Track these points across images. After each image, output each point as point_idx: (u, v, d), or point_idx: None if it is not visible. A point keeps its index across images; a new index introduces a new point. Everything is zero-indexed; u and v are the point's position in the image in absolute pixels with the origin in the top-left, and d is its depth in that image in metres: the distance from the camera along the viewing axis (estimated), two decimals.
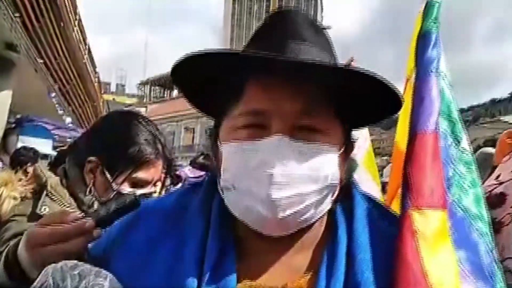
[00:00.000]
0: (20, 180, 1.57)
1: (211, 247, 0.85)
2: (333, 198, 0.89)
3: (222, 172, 0.86)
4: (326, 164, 0.83)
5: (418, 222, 0.86)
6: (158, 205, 1.01)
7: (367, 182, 2.28)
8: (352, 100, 0.87)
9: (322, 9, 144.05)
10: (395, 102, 0.87)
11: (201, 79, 0.90)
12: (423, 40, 1.09)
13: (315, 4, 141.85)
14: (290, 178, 0.80)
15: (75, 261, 0.85)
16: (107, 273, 0.84)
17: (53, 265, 0.83)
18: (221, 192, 0.89)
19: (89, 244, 0.95)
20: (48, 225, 0.91)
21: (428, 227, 0.86)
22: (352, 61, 2.42)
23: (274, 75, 0.81)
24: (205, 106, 1.00)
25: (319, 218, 0.89)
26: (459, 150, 1.05)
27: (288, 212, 0.81)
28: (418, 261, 0.81)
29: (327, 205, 0.88)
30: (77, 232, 0.90)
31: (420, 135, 0.94)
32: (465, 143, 1.07)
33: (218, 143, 0.89)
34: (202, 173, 4.55)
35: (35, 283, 0.81)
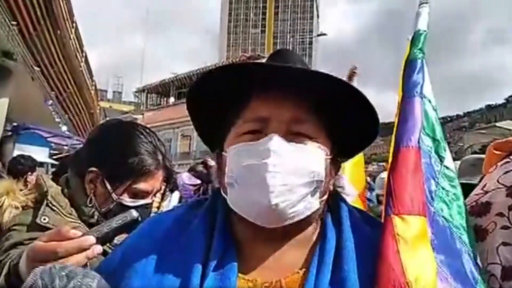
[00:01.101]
0: (21, 189, 1.57)
1: (215, 248, 0.93)
2: (321, 199, 0.98)
3: (226, 171, 0.96)
4: (313, 162, 0.95)
5: (399, 226, 0.93)
6: (161, 220, 1.07)
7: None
8: (340, 116, 1.00)
9: (318, 15, 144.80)
10: (374, 121, 1.01)
11: (208, 102, 1.03)
12: (409, 66, 1.19)
13: (311, 11, 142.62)
14: (283, 168, 0.90)
15: (65, 263, 0.86)
16: (95, 274, 0.85)
17: (42, 266, 0.84)
18: (224, 194, 0.98)
19: (91, 260, 0.95)
20: (50, 241, 0.92)
21: (408, 231, 0.93)
22: (355, 69, 2.44)
23: (274, 88, 0.96)
24: (208, 129, 1.10)
25: (310, 216, 0.97)
26: (442, 167, 1.13)
27: (280, 199, 0.90)
28: (398, 261, 0.88)
29: (315, 203, 0.97)
30: (78, 248, 0.91)
31: (404, 149, 1.03)
32: (448, 161, 1.15)
33: (224, 152, 1.00)
34: (198, 181, 4.53)
35: (24, 285, 0.82)
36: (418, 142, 1.05)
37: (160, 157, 1.62)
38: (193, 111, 1.07)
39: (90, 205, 1.54)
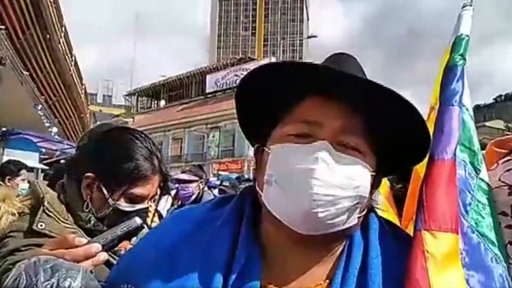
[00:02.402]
0: (18, 196, 1.57)
1: (239, 253, 0.92)
2: (360, 215, 0.95)
3: (267, 169, 0.94)
4: (360, 176, 0.92)
5: (429, 243, 0.90)
6: (189, 213, 1.09)
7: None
8: (390, 134, 0.96)
9: (308, 18, 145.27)
10: (425, 142, 0.97)
11: (259, 91, 1.00)
12: (448, 73, 1.12)
13: (301, 13, 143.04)
14: (329, 178, 0.88)
15: (49, 256, 0.85)
16: (80, 267, 0.84)
17: (26, 260, 0.83)
18: (259, 191, 0.96)
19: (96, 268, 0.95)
20: (56, 249, 0.91)
21: (438, 248, 0.90)
22: None
23: (330, 95, 0.93)
24: (252, 122, 1.08)
25: (344, 230, 0.93)
26: (478, 179, 1.10)
27: (322, 209, 0.88)
28: (425, 279, 0.86)
29: (354, 218, 0.94)
30: (84, 256, 0.91)
31: (438, 162, 0.99)
32: (483, 174, 1.12)
33: (266, 148, 0.97)
34: (196, 178, 5.05)
35: (8, 278, 0.81)
36: (454, 155, 1.00)
37: (156, 162, 1.62)
38: (240, 100, 1.03)
39: (87, 210, 1.54)
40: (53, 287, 0.78)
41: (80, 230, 1.48)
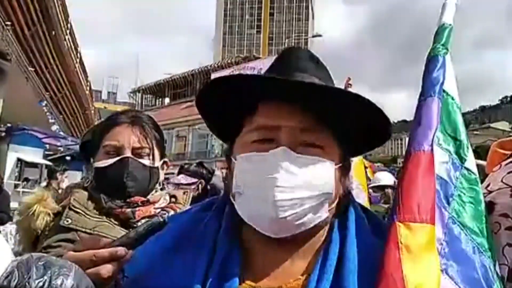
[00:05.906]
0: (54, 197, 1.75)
1: (219, 251, 0.97)
2: (330, 208, 0.98)
3: (234, 180, 0.98)
4: (322, 174, 0.95)
5: (403, 234, 0.90)
6: (179, 219, 1.13)
7: (355, 188, 2.54)
8: (349, 123, 0.99)
9: (313, 17, 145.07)
10: (387, 127, 1.01)
11: (219, 104, 1.04)
12: (430, 63, 1.11)
13: (307, 12, 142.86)
14: (291, 183, 0.92)
15: (41, 253, 0.86)
16: (72, 264, 0.85)
17: (19, 257, 0.84)
18: (232, 199, 1.00)
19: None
20: (83, 251, 0.94)
21: (413, 239, 0.90)
22: (349, 81, 2.59)
23: (282, 97, 0.96)
24: (221, 128, 1.12)
25: (317, 225, 0.97)
26: (463, 169, 1.09)
27: (288, 213, 0.91)
28: (398, 269, 0.86)
29: (323, 213, 0.97)
30: (110, 257, 0.94)
31: (415, 154, 0.99)
32: (470, 163, 1.10)
33: (232, 157, 1.01)
34: (195, 180, 4.63)
35: (1, 275, 0.81)
36: (431, 146, 1.00)
37: (122, 117, 1.71)
38: (204, 112, 1.08)
39: (87, 184, 1.70)
40: (45, 285, 0.78)
41: (107, 221, 1.61)
